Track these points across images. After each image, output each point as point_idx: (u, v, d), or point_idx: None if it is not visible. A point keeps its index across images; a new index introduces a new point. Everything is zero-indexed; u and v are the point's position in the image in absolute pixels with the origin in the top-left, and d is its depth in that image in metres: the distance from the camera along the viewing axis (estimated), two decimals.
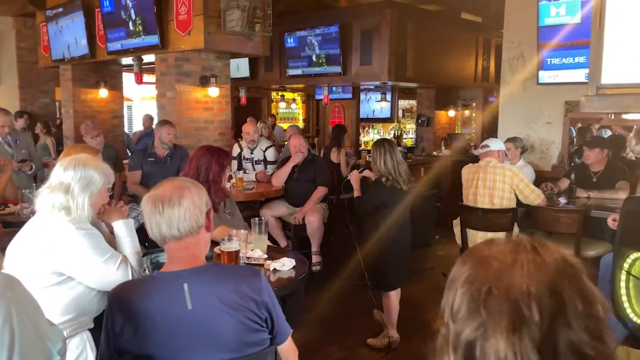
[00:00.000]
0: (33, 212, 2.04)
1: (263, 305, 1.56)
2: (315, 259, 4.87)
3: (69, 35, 6.63)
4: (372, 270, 3.60)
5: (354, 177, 3.66)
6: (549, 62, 4.87)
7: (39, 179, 5.00)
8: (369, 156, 3.79)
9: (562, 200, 4.09)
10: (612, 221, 3.34)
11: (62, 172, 1.96)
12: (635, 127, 6.18)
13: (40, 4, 7.12)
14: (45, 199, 1.94)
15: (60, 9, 6.67)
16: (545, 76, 4.91)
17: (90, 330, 1.96)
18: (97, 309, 1.95)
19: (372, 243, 3.47)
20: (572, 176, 4.34)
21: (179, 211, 1.50)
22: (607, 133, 5.95)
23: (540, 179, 4.56)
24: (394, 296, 3.54)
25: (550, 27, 4.76)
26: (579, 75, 4.65)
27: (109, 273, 1.89)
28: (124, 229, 2.11)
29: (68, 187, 1.92)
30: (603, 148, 4.35)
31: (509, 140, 4.60)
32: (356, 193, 3.62)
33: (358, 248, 3.62)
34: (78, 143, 5.58)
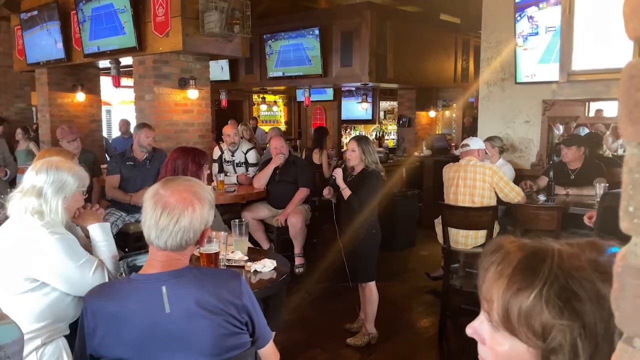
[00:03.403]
0: (6, 217, 1.99)
1: (243, 310, 1.52)
2: (298, 260, 4.85)
3: (44, 39, 6.52)
4: (352, 262, 3.56)
5: (340, 175, 3.56)
6: (526, 62, 4.92)
7: (17, 185, 4.89)
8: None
9: (542, 197, 4.14)
10: (588, 219, 3.38)
11: (34, 176, 1.91)
12: (612, 124, 6.29)
13: (14, 7, 6.99)
14: (18, 203, 1.89)
15: (35, 12, 6.55)
16: (523, 75, 4.97)
17: (66, 336, 1.92)
18: (73, 315, 1.90)
19: (354, 235, 3.48)
20: (551, 174, 4.40)
21: (172, 227, 1.44)
22: (585, 131, 6.05)
23: (519, 177, 4.60)
24: (374, 287, 3.57)
25: (526, 27, 4.82)
26: (556, 74, 4.71)
27: (84, 278, 1.84)
28: (99, 233, 2.06)
29: (41, 191, 1.88)
30: (580, 146, 4.43)
31: (486, 139, 4.64)
32: (347, 191, 3.48)
33: (342, 244, 3.57)
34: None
